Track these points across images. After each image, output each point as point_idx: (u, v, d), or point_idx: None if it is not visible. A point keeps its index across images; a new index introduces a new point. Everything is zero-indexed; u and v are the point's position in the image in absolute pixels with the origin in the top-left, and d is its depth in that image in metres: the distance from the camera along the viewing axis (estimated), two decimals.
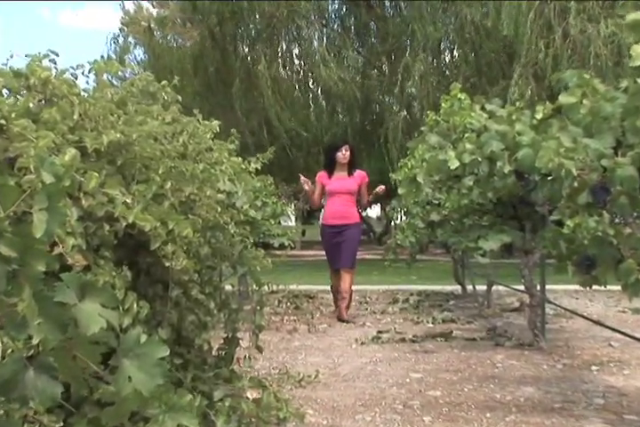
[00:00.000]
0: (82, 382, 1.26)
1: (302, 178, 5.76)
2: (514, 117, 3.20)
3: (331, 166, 5.75)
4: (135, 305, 1.34)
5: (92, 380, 1.26)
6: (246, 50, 14.90)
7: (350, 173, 5.72)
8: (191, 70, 14.46)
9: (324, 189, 5.77)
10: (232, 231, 2.34)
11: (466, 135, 3.41)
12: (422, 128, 4.47)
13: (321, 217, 5.89)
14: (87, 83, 2.02)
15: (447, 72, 14.78)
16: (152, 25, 15.83)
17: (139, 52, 16.41)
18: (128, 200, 1.46)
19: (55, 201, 1.15)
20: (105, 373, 1.24)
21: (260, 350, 2.68)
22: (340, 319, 5.38)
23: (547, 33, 11.86)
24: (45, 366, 1.16)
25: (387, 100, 15.10)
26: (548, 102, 3.06)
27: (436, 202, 5.28)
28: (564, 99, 2.34)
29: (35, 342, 1.08)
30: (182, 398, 1.47)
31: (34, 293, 1.10)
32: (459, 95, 4.23)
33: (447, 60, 15.04)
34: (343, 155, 5.66)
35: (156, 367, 1.28)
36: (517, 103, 3.49)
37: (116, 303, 1.27)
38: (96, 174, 1.38)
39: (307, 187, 5.69)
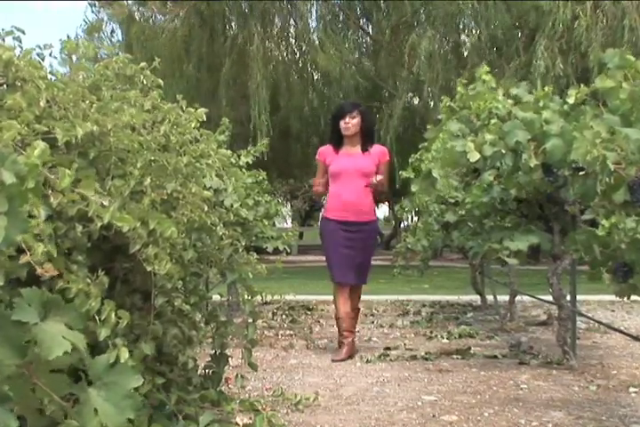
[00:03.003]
0: (39, 416, 1.23)
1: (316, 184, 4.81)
2: (541, 104, 3.20)
3: (337, 139, 4.71)
4: (113, 315, 1.34)
5: (53, 413, 1.24)
6: (235, 29, 14.89)
7: (365, 149, 4.65)
8: (175, 53, 14.44)
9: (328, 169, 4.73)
10: (220, 233, 2.34)
11: (492, 121, 3.39)
12: (439, 116, 4.46)
13: (323, 209, 4.86)
14: (51, 66, 2.03)
15: (464, 52, 14.80)
16: (129, 2, 15.83)
17: (116, 33, 16.38)
18: (105, 202, 1.46)
19: (16, 205, 1.13)
20: (68, 404, 1.21)
21: (253, 367, 2.68)
22: (348, 356, 4.42)
23: (576, 3, 11.88)
24: (0, 394, 1.14)
25: (394, 84, 15.11)
26: (574, 80, 3.06)
27: (452, 200, 5.27)
28: (601, 82, 2.34)
29: None
30: None
31: None
32: (484, 76, 4.18)
33: (464, 39, 15.07)
34: (346, 123, 4.58)
35: (126, 399, 1.25)
36: (547, 88, 3.48)
37: (82, 324, 1.25)
38: (69, 172, 1.38)
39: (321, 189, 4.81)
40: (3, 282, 1.14)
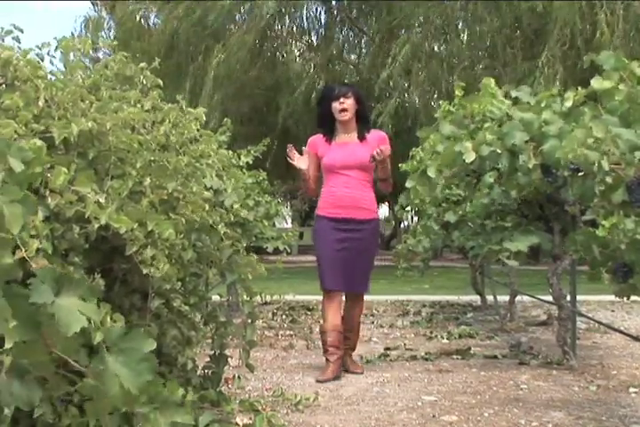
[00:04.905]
0: (58, 379, 1.27)
1: (296, 150, 4.05)
2: (543, 104, 3.19)
3: (328, 126, 4.06)
4: (109, 318, 1.34)
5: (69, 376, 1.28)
6: (232, 27, 14.89)
7: (362, 136, 4.01)
8: (163, 49, 14.41)
9: (320, 162, 4.05)
10: (222, 233, 2.33)
11: (485, 125, 3.40)
12: (436, 115, 4.46)
13: (317, 207, 4.19)
14: (51, 63, 2.02)
15: (458, 53, 14.77)
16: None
17: (112, 33, 16.42)
18: (101, 200, 1.46)
19: (24, 189, 1.16)
20: (87, 369, 1.26)
21: (251, 368, 2.68)
22: (354, 371, 4.00)
23: (587, 7, 11.73)
24: (19, 369, 1.19)
25: (389, 83, 15.09)
26: (579, 89, 3.05)
27: (454, 199, 5.24)
28: (597, 83, 2.35)
29: (7, 346, 1.09)
30: (174, 393, 1.50)
31: (3, 288, 1.11)
32: (491, 86, 4.12)
33: (461, 40, 15.04)
34: (341, 104, 3.94)
35: (143, 363, 1.32)
36: (554, 89, 3.48)
37: (95, 295, 1.29)
38: (64, 170, 1.38)
39: (302, 166, 4.02)
40: (11, 260, 1.15)
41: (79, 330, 1.18)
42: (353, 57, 15.71)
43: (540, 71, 11.68)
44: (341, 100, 3.93)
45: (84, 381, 1.29)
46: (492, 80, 4.00)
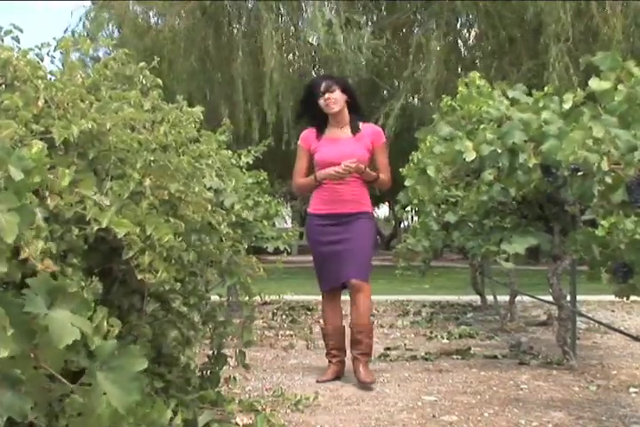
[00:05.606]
0: (45, 393, 1.27)
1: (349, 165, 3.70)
2: (541, 104, 3.20)
3: (321, 121, 3.90)
4: (105, 323, 1.34)
5: (57, 392, 1.27)
6: (237, 25, 14.90)
7: (355, 130, 3.86)
8: (176, 52, 14.40)
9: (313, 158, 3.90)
10: (224, 232, 2.33)
11: (482, 126, 3.41)
12: (434, 116, 4.46)
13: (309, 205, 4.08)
14: (52, 62, 2.02)
15: (465, 53, 14.76)
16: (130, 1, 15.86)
17: (114, 30, 16.36)
18: (102, 203, 1.45)
19: (23, 199, 1.15)
20: (75, 387, 1.25)
21: (246, 368, 2.67)
22: (363, 381, 3.63)
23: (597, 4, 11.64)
24: (11, 379, 1.18)
25: (396, 83, 15.08)
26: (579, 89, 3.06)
27: (453, 200, 5.25)
28: (595, 84, 2.35)
29: (3, 354, 1.09)
30: (162, 415, 1.49)
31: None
32: (477, 82, 4.19)
33: (466, 39, 15.01)
34: (327, 100, 3.77)
35: (133, 382, 1.30)
36: (545, 88, 3.48)
37: (88, 309, 1.28)
38: (68, 171, 1.38)
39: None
40: (6, 269, 1.15)
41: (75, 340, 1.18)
42: (353, 57, 15.68)
43: (552, 67, 11.58)
44: (326, 96, 3.75)
45: (72, 397, 1.28)
46: (477, 74, 4.05)
